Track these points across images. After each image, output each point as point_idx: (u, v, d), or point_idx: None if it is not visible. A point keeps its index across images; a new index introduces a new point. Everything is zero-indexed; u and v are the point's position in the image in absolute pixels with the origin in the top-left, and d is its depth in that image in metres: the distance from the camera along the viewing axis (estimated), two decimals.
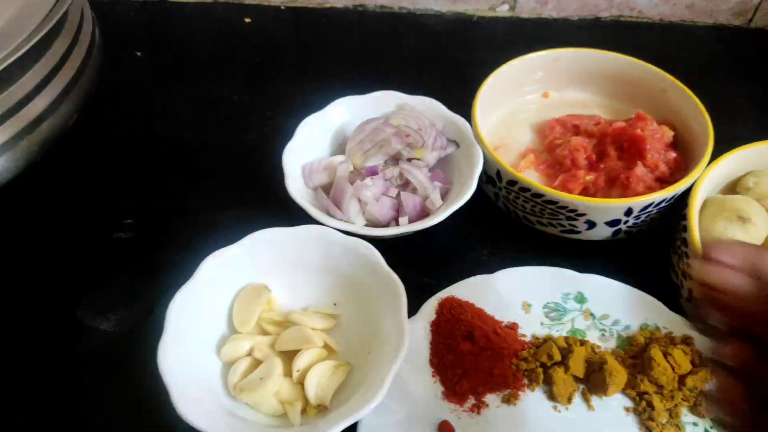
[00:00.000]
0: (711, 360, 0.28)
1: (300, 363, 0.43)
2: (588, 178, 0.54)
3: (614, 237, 0.54)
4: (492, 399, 0.45)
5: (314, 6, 0.84)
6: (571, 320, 0.49)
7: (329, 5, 0.84)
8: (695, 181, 0.50)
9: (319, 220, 0.50)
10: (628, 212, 0.51)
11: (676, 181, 0.51)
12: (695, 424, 0.43)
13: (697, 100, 0.56)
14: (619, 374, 0.44)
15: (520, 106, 0.65)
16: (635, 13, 0.82)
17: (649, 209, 0.51)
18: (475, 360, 0.46)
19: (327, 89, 0.60)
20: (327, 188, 0.54)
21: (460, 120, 0.57)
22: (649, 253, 0.54)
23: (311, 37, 0.81)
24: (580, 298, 0.50)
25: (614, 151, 0.56)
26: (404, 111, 0.58)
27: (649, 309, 0.49)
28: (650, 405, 0.44)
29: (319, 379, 0.43)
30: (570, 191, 0.53)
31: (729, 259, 0.26)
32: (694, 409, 0.44)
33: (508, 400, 0.45)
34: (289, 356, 0.44)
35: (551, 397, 0.45)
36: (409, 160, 0.55)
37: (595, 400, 0.45)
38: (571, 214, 0.51)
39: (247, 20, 0.83)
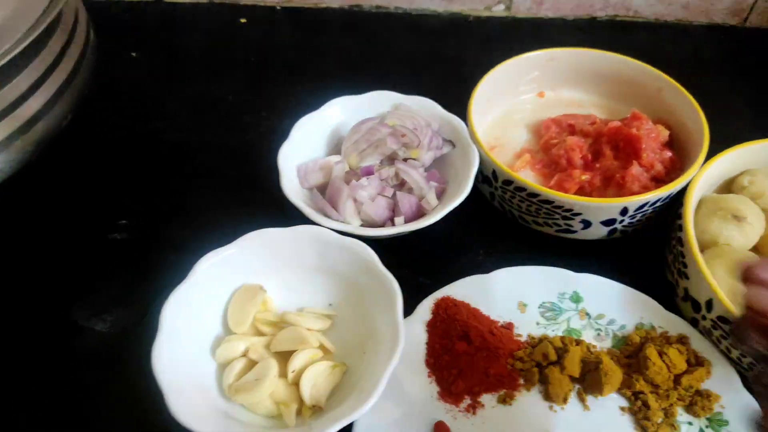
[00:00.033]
0: (756, 383, 0.27)
1: (295, 364, 0.43)
2: (584, 177, 0.54)
3: (610, 236, 0.54)
4: (488, 399, 0.45)
5: (310, 6, 0.84)
6: (566, 320, 0.49)
7: (325, 5, 0.84)
8: (690, 180, 0.50)
9: (314, 220, 0.49)
10: (624, 212, 0.51)
11: (671, 180, 0.51)
12: (690, 423, 0.43)
13: (692, 99, 0.56)
14: (614, 374, 0.44)
15: (516, 105, 0.65)
16: (631, 12, 0.82)
17: (645, 208, 0.51)
18: (470, 360, 0.46)
19: (322, 89, 0.60)
20: (322, 188, 0.54)
21: (455, 120, 0.57)
22: (645, 253, 0.54)
23: (307, 38, 0.80)
24: (576, 298, 0.50)
25: (610, 150, 0.56)
26: (400, 111, 0.58)
27: (645, 308, 0.49)
28: (646, 404, 0.44)
29: (315, 380, 0.43)
30: (566, 191, 0.53)
31: None
32: (689, 409, 0.44)
33: (504, 400, 0.45)
34: (284, 357, 0.44)
35: (547, 397, 0.45)
36: (405, 160, 0.55)
37: (590, 399, 0.45)
38: (567, 214, 0.51)
39: (243, 20, 0.82)
